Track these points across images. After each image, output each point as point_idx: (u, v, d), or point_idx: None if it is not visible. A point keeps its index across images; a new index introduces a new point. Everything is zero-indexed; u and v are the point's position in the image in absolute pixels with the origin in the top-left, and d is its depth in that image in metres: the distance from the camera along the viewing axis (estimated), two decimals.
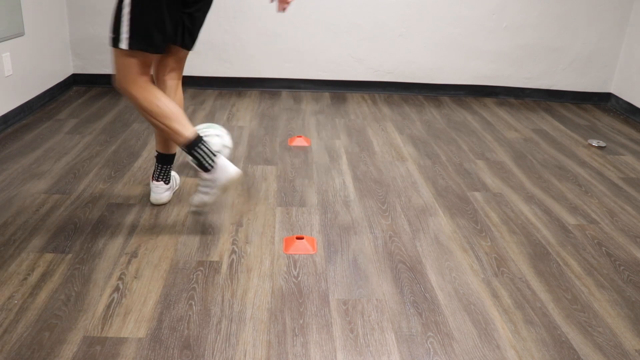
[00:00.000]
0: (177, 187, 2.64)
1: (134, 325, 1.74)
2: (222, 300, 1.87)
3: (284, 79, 4.37)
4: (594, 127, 3.92)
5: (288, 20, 4.20)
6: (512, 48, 4.33)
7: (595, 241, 2.38)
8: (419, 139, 3.46)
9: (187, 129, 2.12)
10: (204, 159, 2.11)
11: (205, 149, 2.12)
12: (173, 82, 2.35)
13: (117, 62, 2.10)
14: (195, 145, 2.11)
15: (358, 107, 4.05)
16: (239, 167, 2.92)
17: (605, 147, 3.50)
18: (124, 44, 2.04)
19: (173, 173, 2.61)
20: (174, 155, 2.46)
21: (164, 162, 2.45)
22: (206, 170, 2.12)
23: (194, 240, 2.22)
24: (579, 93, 4.49)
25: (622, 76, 4.35)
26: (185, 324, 1.75)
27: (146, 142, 3.19)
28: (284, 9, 2.21)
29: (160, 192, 2.48)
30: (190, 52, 4.23)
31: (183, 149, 2.13)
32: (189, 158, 2.33)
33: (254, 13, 4.17)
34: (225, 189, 2.16)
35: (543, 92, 4.48)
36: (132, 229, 2.28)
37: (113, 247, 2.15)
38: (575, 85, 4.47)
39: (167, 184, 2.49)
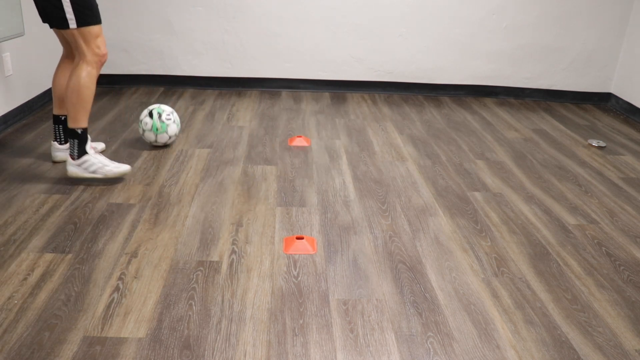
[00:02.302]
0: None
1: (134, 325, 1.74)
2: (222, 300, 1.87)
3: (284, 79, 4.37)
4: (594, 127, 3.92)
5: (288, 20, 4.20)
6: (512, 48, 4.33)
7: (595, 241, 2.38)
8: (419, 139, 3.46)
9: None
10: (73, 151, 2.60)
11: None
12: (74, 60, 2.60)
13: (85, 41, 2.50)
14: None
15: (358, 107, 4.05)
16: (239, 167, 2.92)
17: (605, 147, 3.50)
18: None
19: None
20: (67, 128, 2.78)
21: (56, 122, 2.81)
22: (73, 158, 2.61)
23: (194, 240, 2.22)
24: (579, 93, 4.49)
25: (622, 76, 4.35)
26: (185, 324, 1.75)
27: (146, 142, 3.19)
28: None
29: (54, 150, 2.85)
30: (191, 52, 4.24)
31: (71, 130, 2.57)
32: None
33: (254, 13, 4.17)
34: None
35: (543, 92, 4.48)
36: (132, 229, 2.28)
37: (113, 247, 2.15)
38: (575, 85, 4.47)
39: (61, 144, 2.83)
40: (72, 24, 2.41)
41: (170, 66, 4.28)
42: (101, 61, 2.54)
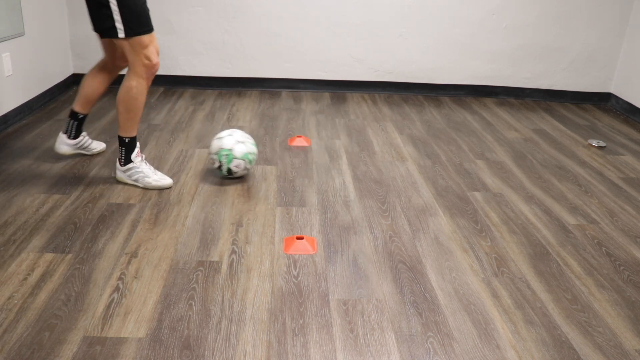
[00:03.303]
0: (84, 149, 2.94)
1: (134, 325, 1.74)
2: (222, 300, 1.87)
3: (284, 79, 4.37)
4: (594, 127, 3.92)
5: (288, 20, 4.20)
6: (512, 48, 4.33)
7: (595, 241, 2.38)
8: (419, 139, 3.46)
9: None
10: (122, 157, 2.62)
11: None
12: (127, 72, 2.54)
13: (133, 52, 2.44)
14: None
15: (358, 107, 4.05)
16: None
17: (605, 147, 3.50)
18: None
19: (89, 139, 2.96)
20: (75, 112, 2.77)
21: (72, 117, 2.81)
22: (121, 164, 2.64)
23: (194, 240, 2.22)
24: (579, 93, 4.49)
25: (622, 76, 4.35)
26: (185, 324, 1.75)
27: (146, 142, 3.19)
28: None
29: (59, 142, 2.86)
30: (190, 52, 4.24)
31: (120, 138, 2.58)
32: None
33: (254, 13, 4.17)
34: None
35: (543, 92, 4.48)
36: (132, 229, 2.28)
37: (113, 247, 2.15)
38: (575, 85, 4.47)
39: (69, 138, 2.84)
40: (121, 33, 2.34)
41: (170, 66, 4.28)
42: (151, 72, 2.46)
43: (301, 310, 1.84)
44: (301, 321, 1.79)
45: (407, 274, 2.07)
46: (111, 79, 2.76)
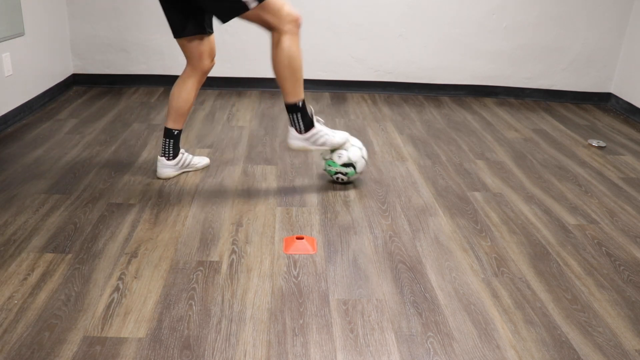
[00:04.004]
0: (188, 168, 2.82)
1: (134, 325, 1.74)
2: (222, 300, 1.87)
3: None
4: (594, 127, 3.92)
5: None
6: (512, 48, 4.33)
7: (595, 241, 2.38)
8: (419, 139, 3.46)
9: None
10: (297, 125, 2.50)
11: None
12: (271, 39, 2.42)
13: (271, 14, 2.31)
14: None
15: (358, 107, 4.06)
16: (239, 167, 2.92)
17: (605, 147, 3.50)
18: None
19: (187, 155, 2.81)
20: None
21: (166, 136, 2.69)
22: (300, 132, 2.51)
23: (194, 240, 2.22)
24: (579, 93, 4.49)
25: (622, 76, 4.35)
26: (185, 324, 1.75)
27: (146, 142, 3.19)
28: None
29: (160, 166, 2.73)
30: None
31: (292, 105, 2.45)
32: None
33: None
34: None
35: (543, 92, 4.49)
36: (132, 229, 2.28)
37: (113, 247, 2.15)
38: (575, 85, 4.47)
39: (168, 160, 2.71)
40: (253, 2, 2.24)
41: (170, 66, 4.28)
42: (298, 24, 2.35)
43: (301, 310, 1.84)
44: (301, 321, 1.79)
45: (407, 274, 2.07)
46: (200, 86, 2.65)
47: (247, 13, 2.28)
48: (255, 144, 3.25)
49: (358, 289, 1.96)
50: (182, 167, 2.76)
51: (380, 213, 2.51)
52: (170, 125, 2.67)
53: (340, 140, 2.58)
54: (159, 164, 2.72)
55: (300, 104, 2.45)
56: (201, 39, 2.50)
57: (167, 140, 2.68)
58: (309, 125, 2.50)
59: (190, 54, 2.54)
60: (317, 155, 3.12)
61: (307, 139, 2.52)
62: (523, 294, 1.99)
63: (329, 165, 2.69)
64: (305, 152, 2.51)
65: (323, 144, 2.54)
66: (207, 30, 2.51)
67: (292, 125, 2.52)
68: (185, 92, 2.61)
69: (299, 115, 2.47)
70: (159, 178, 2.73)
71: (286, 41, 2.34)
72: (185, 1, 2.38)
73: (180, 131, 2.69)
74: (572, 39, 4.32)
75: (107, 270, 2.01)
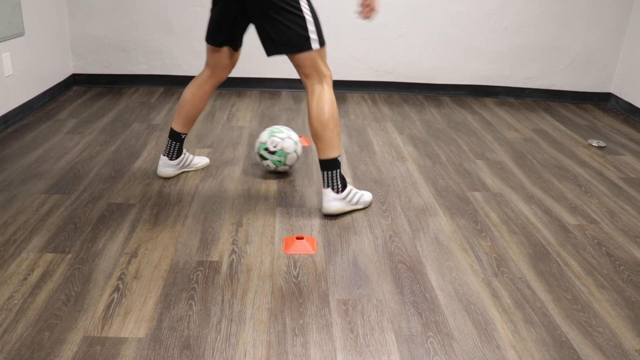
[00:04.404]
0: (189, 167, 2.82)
1: (134, 325, 1.74)
2: (222, 300, 1.87)
3: (284, 79, 4.37)
4: (594, 127, 3.92)
5: None
6: (512, 48, 4.33)
7: (595, 241, 2.38)
8: (419, 139, 3.46)
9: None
10: (333, 183, 2.38)
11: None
12: (310, 88, 2.35)
13: (321, 61, 2.29)
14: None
15: (358, 107, 4.05)
16: (239, 167, 2.92)
17: (605, 147, 3.50)
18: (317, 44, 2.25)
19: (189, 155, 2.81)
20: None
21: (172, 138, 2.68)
22: (336, 192, 2.39)
23: (194, 240, 2.22)
24: (579, 93, 4.49)
25: (622, 76, 4.35)
26: (185, 324, 1.75)
27: (146, 142, 3.19)
28: (368, 17, 2.21)
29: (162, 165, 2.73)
30: (190, 52, 4.24)
31: (332, 160, 2.34)
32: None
33: None
34: None
35: (543, 92, 4.48)
36: (132, 229, 2.28)
37: (113, 247, 2.15)
38: (575, 85, 4.47)
39: (171, 159, 2.71)
40: (315, 44, 2.22)
41: (170, 66, 4.28)
42: (331, 78, 2.38)
43: (301, 310, 1.84)
44: (301, 321, 1.79)
45: (407, 274, 2.07)
46: (210, 93, 2.61)
47: (304, 54, 2.23)
48: (255, 144, 3.25)
49: (358, 289, 1.96)
50: (182, 166, 2.76)
51: (380, 213, 2.51)
52: (178, 129, 2.64)
53: (368, 199, 2.51)
54: (160, 162, 2.71)
55: (339, 159, 2.35)
56: (231, 51, 2.47)
57: (174, 142, 2.67)
58: (344, 183, 2.38)
59: (216, 62, 2.50)
60: (316, 155, 3.12)
61: (344, 199, 2.39)
62: (523, 294, 1.99)
63: (262, 149, 2.76)
64: (341, 212, 2.43)
65: (357, 203, 2.44)
66: (238, 46, 2.47)
67: (328, 186, 2.37)
68: (198, 98, 2.57)
69: (337, 172, 2.35)
70: (159, 177, 2.74)
71: (328, 93, 2.30)
72: (243, 11, 2.29)
73: (186, 135, 2.68)
74: (572, 39, 4.32)
75: (107, 270, 2.01)
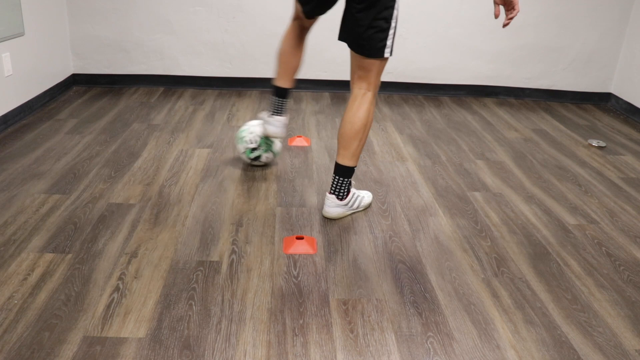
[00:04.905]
0: None
1: (134, 325, 1.74)
2: (222, 300, 1.87)
3: None
4: (594, 127, 3.92)
5: (288, 20, 4.20)
6: (512, 48, 4.33)
7: (595, 241, 2.38)
8: (419, 139, 3.46)
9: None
10: (272, 109, 2.50)
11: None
12: (357, 90, 2.33)
13: (380, 71, 2.30)
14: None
15: None
16: (239, 167, 2.92)
17: (605, 147, 3.50)
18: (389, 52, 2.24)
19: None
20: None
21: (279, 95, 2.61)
22: (340, 199, 2.41)
23: (194, 240, 2.22)
24: (579, 93, 4.49)
25: (622, 76, 4.35)
26: (185, 324, 1.75)
27: (146, 142, 3.19)
28: (506, 24, 2.14)
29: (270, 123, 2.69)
30: (190, 52, 4.24)
31: (348, 168, 2.34)
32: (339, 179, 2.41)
33: (254, 13, 4.17)
34: None
35: (543, 92, 4.48)
36: (132, 229, 2.28)
37: (113, 247, 2.15)
38: (575, 85, 4.47)
39: (279, 115, 2.66)
40: (388, 52, 2.22)
41: (170, 66, 4.28)
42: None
43: (301, 310, 1.84)
44: (301, 321, 1.79)
45: (407, 274, 2.07)
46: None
47: (374, 60, 2.24)
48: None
49: (358, 289, 1.96)
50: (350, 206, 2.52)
51: (380, 213, 2.51)
52: (280, 84, 2.58)
53: (368, 201, 2.52)
54: (269, 120, 2.66)
55: (355, 169, 2.37)
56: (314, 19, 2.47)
57: (279, 99, 2.61)
58: (349, 189, 2.41)
59: (304, 23, 2.49)
60: (317, 155, 3.12)
61: (346, 205, 2.41)
62: (523, 294, 1.99)
63: (249, 154, 2.82)
64: (341, 217, 2.44)
65: (357, 207, 2.46)
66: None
67: (333, 192, 2.39)
68: (292, 49, 2.52)
69: (347, 181, 2.36)
70: (266, 136, 2.76)
71: (371, 104, 2.30)
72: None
73: (288, 90, 2.61)
74: (572, 39, 4.32)
75: (107, 270, 2.01)
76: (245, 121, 3.63)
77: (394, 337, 1.74)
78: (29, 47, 3.56)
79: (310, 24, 2.51)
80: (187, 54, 4.25)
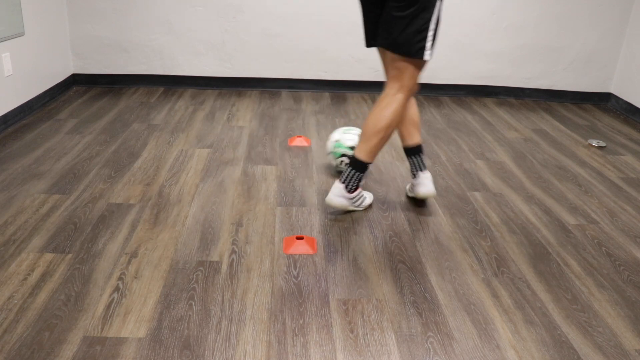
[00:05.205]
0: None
1: (134, 325, 1.74)
2: (222, 300, 1.87)
3: (284, 79, 4.37)
4: (594, 127, 3.92)
5: (288, 20, 4.20)
6: (512, 48, 4.33)
7: (595, 241, 2.38)
8: None
9: (359, 150, 2.35)
10: (350, 182, 2.38)
11: (357, 177, 2.38)
12: (388, 90, 2.32)
13: (415, 74, 2.28)
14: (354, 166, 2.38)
15: (358, 107, 4.05)
16: (239, 167, 2.92)
17: (605, 147, 3.50)
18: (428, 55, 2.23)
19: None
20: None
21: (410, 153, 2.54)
22: (348, 191, 2.40)
23: (194, 240, 2.22)
24: (579, 93, 4.49)
25: (622, 76, 4.35)
26: (185, 324, 1.75)
27: (146, 142, 3.19)
28: None
29: None
30: (190, 52, 4.24)
31: (362, 163, 2.35)
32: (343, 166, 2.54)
33: (254, 13, 4.17)
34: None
35: (543, 92, 4.48)
36: (132, 229, 2.28)
37: (113, 247, 2.15)
38: (575, 85, 4.47)
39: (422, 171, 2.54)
40: (427, 55, 2.22)
41: (170, 66, 4.28)
42: (413, 94, 2.38)
43: (301, 310, 1.84)
44: (301, 321, 1.79)
45: (407, 274, 2.07)
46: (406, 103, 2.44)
47: (414, 60, 2.24)
48: (255, 144, 3.25)
49: (358, 289, 1.96)
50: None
51: (380, 213, 2.51)
52: (412, 143, 2.50)
53: (369, 202, 2.54)
54: (415, 182, 2.55)
55: (369, 166, 2.38)
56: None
57: (415, 157, 2.53)
58: (358, 186, 2.43)
59: (384, 64, 2.40)
60: (317, 155, 3.12)
61: (351, 199, 2.43)
62: (523, 294, 1.99)
63: (337, 146, 2.75)
64: (340, 209, 2.48)
65: (359, 206, 2.49)
66: None
67: (343, 182, 2.39)
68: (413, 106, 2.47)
69: (359, 175, 2.37)
70: (416, 197, 2.59)
71: (401, 103, 2.29)
72: (380, 8, 2.26)
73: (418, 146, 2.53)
74: (572, 39, 4.32)
75: (107, 270, 2.01)
76: (245, 121, 3.63)
77: (394, 337, 1.74)
78: (29, 47, 3.56)
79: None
80: (187, 54, 4.25)
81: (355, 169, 2.36)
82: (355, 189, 2.42)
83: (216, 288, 1.93)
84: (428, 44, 2.20)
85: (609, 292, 2.03)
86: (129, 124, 3.49)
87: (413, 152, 2.51)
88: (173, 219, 2.38)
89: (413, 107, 2.47)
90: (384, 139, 2.32)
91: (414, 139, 2.49)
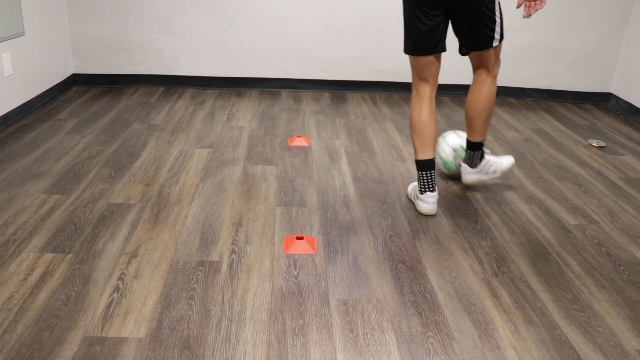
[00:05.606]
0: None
1: (134, 325, 1.74)
2: (222, 300, 1.87)
3: (284, 79, 4.37)
4: (594, 127, 3.92)
5: (288, 20, 4.20)
6: (512, 48, 4.33)
7: (595, 241, 2.38)
8: None
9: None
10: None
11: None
12: (478, 77, 2.58)
13: (496, 56, 2.53)
14: (419, 169, 2.48)
15: (358, 107, 4.05)
16: (239, 167, 2.92)
17: (605, 147, 3.50)
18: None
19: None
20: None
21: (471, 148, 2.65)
22: (474, 166, 2.62)
23: (194, 240, 2.22)
24: (579, 93, 4.49)
25: (622, 76, 4.35)
26: (185, 324, 1.75)
27: (146, 142, 3.19)
28: (529, 15, 2.32)
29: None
30: (190, 52, 4.24)
31: (476, 144, 2.57)
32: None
33: (254, 13, 4.17)
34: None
35: (543, 92, 4.48)
36: (132, 229, 2.28)
37: (113, 247, 2.15)
38: (575, 85, 4.47)
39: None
40: (495, 42, 2.42)
41: (170, 66, 4.28)
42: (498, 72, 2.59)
43: (301, 310, 1.84)
44: (301, 321, 1.79)
45: (407, 274, 2.07)
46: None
47: (484, 50, 2.44)
48: (255, 144, 3.25)
49: (358, 289, 1.96)
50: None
51: (380, 213, 2.51)
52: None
53: (508, 164, 2.64)
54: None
55: (484, 142, 2.59)
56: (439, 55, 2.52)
57: (474, 152, 2.63)
58: (482, 157, 2.61)
59: (433, 72, 2.56)
60: (317, 155, 3.12)
61: (479, 171, 2.63)
62: (523, 294, 1.99)
63: (456, 158, 2.81)
64: (480, 183, 2.72)
65: (494, 172, 2.62)
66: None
67: (465, 162, 2.65)
68: (434, 117, 2.54)
69: (478, 152, 2.59)
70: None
71: (491, 85, 2.52)
72: (458, 13, 2.34)
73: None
74: (572, 39, 4.32)
75: (107, 270, 2.01)
76: (245, 121, 3.63)
77: (394, 337, 1.74)
78: (29, 47, 3.56)
79: (435, 81, 2.56)
80: (187, 53, 4.25)
81: (472, 150, 2.60)
82: (479, 163, 2.62)
83: (216, 288, 1.93)
84: (496, 34, 2.41)
85: (609, 292, 2.03)
86: (129, 124, 3.49)
87: (426, 166, 2.49)
88: (173, 219, 2.38)
89: (435, 122, 2.52)
90: (487, 119, 2.53)
91: (429, 153, 2.49)
